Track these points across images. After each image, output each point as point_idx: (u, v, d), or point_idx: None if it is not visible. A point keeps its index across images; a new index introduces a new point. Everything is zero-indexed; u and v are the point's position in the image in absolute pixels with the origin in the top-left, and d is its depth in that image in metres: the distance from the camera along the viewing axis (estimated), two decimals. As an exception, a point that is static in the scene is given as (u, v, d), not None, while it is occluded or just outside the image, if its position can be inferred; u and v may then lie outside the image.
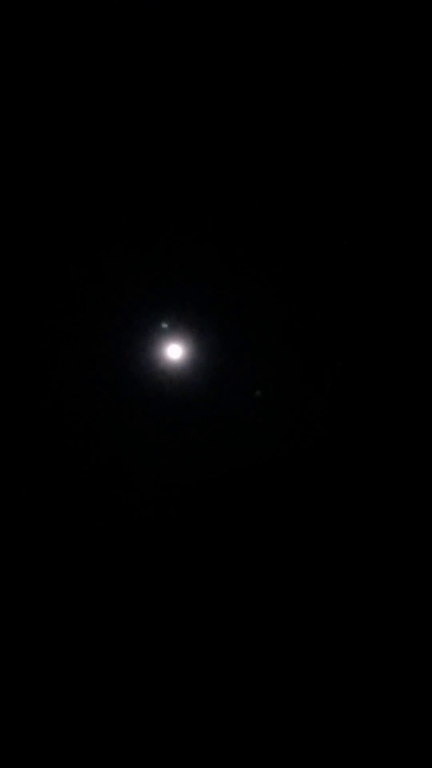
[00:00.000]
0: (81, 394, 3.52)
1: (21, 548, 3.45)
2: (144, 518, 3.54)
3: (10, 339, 3.46)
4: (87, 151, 3.30)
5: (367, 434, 3.55)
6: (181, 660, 3.27)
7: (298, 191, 3.44)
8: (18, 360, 3.48)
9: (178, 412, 3.56)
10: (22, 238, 3.42)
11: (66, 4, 2.94)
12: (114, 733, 3.11)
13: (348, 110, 3.30)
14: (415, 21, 3.10)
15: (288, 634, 3.29)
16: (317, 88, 3.25)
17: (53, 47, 3.07)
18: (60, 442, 3.53)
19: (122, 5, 2.97)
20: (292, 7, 3.05)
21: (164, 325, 3.50)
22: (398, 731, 2.98)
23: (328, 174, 3.41)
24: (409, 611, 3.27)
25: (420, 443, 3.50)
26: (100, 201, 3.40)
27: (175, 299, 3.53)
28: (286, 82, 3.23)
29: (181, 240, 3.46)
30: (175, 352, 3.55)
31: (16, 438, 3.51)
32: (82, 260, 3.47)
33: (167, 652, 3.29)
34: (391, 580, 3.34)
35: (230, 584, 3.41)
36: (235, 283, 3.53)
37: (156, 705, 3.16)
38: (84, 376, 3.51)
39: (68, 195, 3.37)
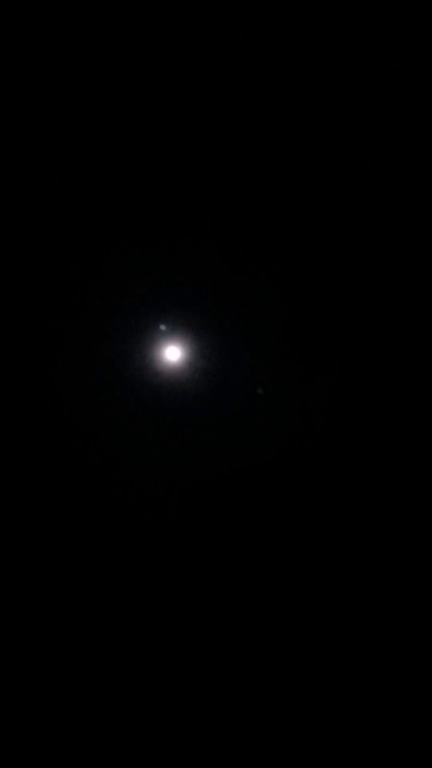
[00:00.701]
0: (81, 395, 3.52)
1: (21, 549, 3.45)
2: (144, 518, 3.53)
3: (9, 340, 3.46)
4: (87, 151, 3.30)
5: (367, 434, 3.55)
6: (181, 660, 3.27)
7: (297, 192, 3.44)
8: (18, 361, 3.48)
9: (178, 413, 3.56)
10: (22, 239, 3.42)
11: (66, 4, 2.95)
12: (114, 734, 3.10)
13: (348, 111, 3.30)
14: (415, 21, 3.11)
15: (288, 634, 3.29)
16: (317, 89, 3.25)
17: (53, 47, 3.07)
18: (60, 442, 3.53)
19: (122, 5, 2.97)
20: (291, 7, 3.06)
21: (162, 327, 3.50)
22: (398, 731, 2.97)
23: (328, 174, 3.41)
24: (410, 611, 3.27)
25: (420, 443, 3.49)
26: (100, 201, 3.40)
27: (174, 300, 3.53)
28: (286, 83, 3.23)
29: (181, 240, 3.46)
30: (173, 353, 3.55)
31: (16, 439, 3.51)
32: (82, 261, 3.47)
33: (167, 651, 3.29)
34: (392, 579, 3.34)
35: (231, 584, 3.41)
36: (235, 283, 3.53)
37: (156, 705, 3.16)
38: (83, 377, 3.50)
39: (67, 195, 3.37)
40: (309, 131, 3.33)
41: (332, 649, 3.23)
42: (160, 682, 3.22)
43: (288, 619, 3.32)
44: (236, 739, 3.07)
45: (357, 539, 3.42)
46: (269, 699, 3.16)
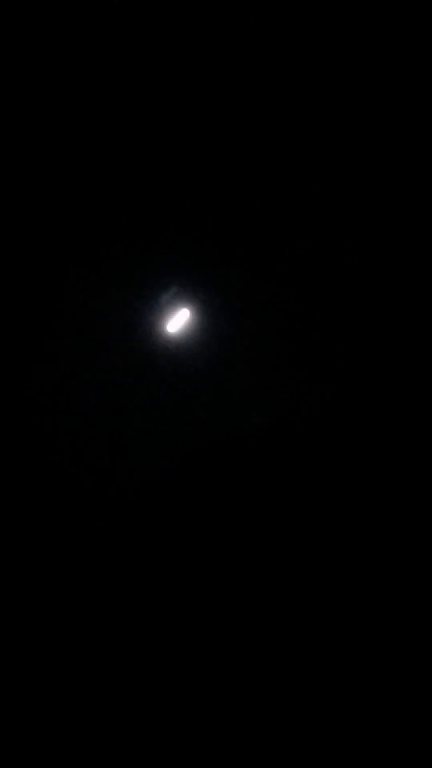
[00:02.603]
0: (78, 375, 3.50)
1: (17, 535, 3.43)
2: (141, 501, 3.50)
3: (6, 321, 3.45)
4: (85, 151, 3.31)
5: (367, 432, 3.55)
6: (179, 652, 3.26)
7: (298, 193, 3.44)
8: (16, 341, 3.47)
9: (177, 388, 3.54)
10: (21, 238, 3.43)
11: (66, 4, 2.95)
12: (113, 733, 3.10)
13: (348, 111, 3.31)
14: (415, 21, 3.11)
15: (287, 625, 3.28)
16: (317, 89, 3.25)
17: (53, 46, 3.08)
18: (57, 427, 3.51)
19: (122, 5, 2.98)
20: (291, 7, 3.06)
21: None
22: (398, 731, 2.98)
23: (329, 175, 3.42)
24: (410, 604, 3.27)
25: (420, 441, 3.50)
26: (97, 202, 3.41)
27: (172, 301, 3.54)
28: (286, 83, 3.24)
29: (181, 240, 3.47)
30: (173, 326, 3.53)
31: (13, 423, 3.49)
32: (82, 261, 3.47)
33: (166, 641, 3.28)
34: (392, 573, 3.34)
35: (228, 575, 3.41)
36: (236, 284, 3.53)
37: (155, 700, 3.16)
38: (80, 355, 3.48)
39: (66, 195, 3.38)
40: (309, 133, 3.34)
41: (331, 641, 3.23)
42: (159, 673, 3.21)
43: (286, 610, 3.31)
44: (236, 738, 3.07)
45: (356, 532, 3.42)
46: (269, 695, 3.16)
